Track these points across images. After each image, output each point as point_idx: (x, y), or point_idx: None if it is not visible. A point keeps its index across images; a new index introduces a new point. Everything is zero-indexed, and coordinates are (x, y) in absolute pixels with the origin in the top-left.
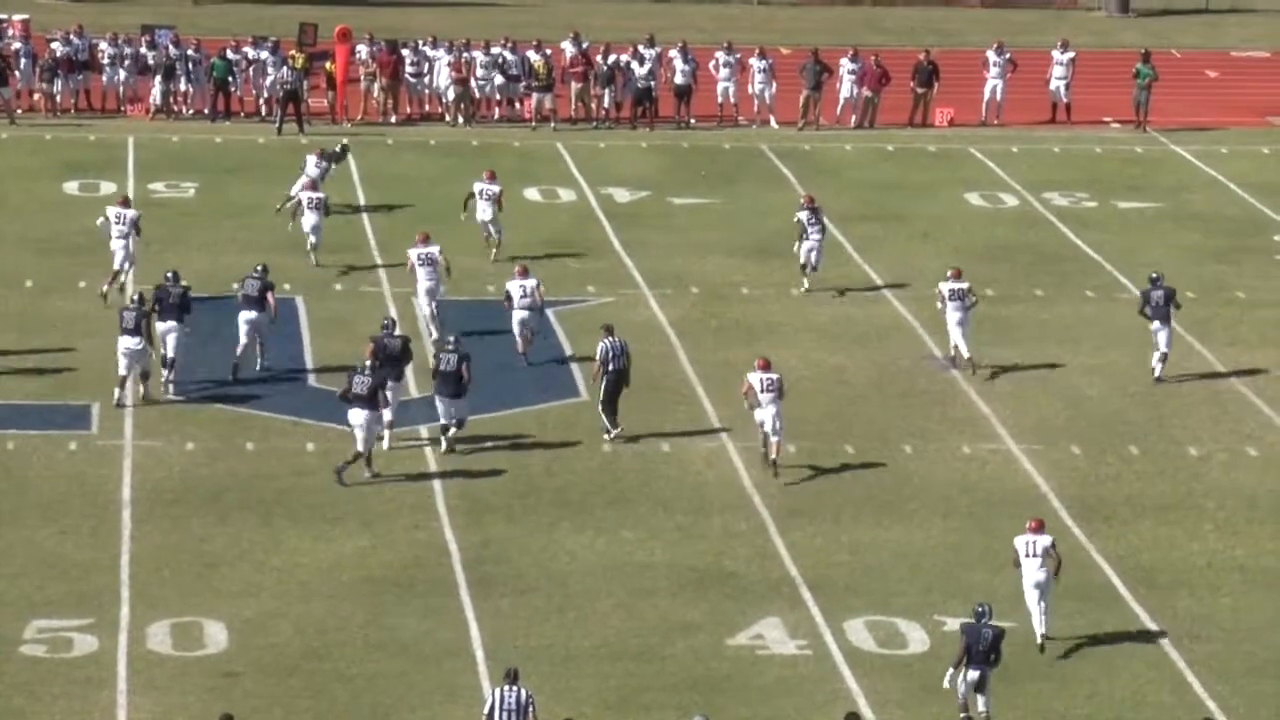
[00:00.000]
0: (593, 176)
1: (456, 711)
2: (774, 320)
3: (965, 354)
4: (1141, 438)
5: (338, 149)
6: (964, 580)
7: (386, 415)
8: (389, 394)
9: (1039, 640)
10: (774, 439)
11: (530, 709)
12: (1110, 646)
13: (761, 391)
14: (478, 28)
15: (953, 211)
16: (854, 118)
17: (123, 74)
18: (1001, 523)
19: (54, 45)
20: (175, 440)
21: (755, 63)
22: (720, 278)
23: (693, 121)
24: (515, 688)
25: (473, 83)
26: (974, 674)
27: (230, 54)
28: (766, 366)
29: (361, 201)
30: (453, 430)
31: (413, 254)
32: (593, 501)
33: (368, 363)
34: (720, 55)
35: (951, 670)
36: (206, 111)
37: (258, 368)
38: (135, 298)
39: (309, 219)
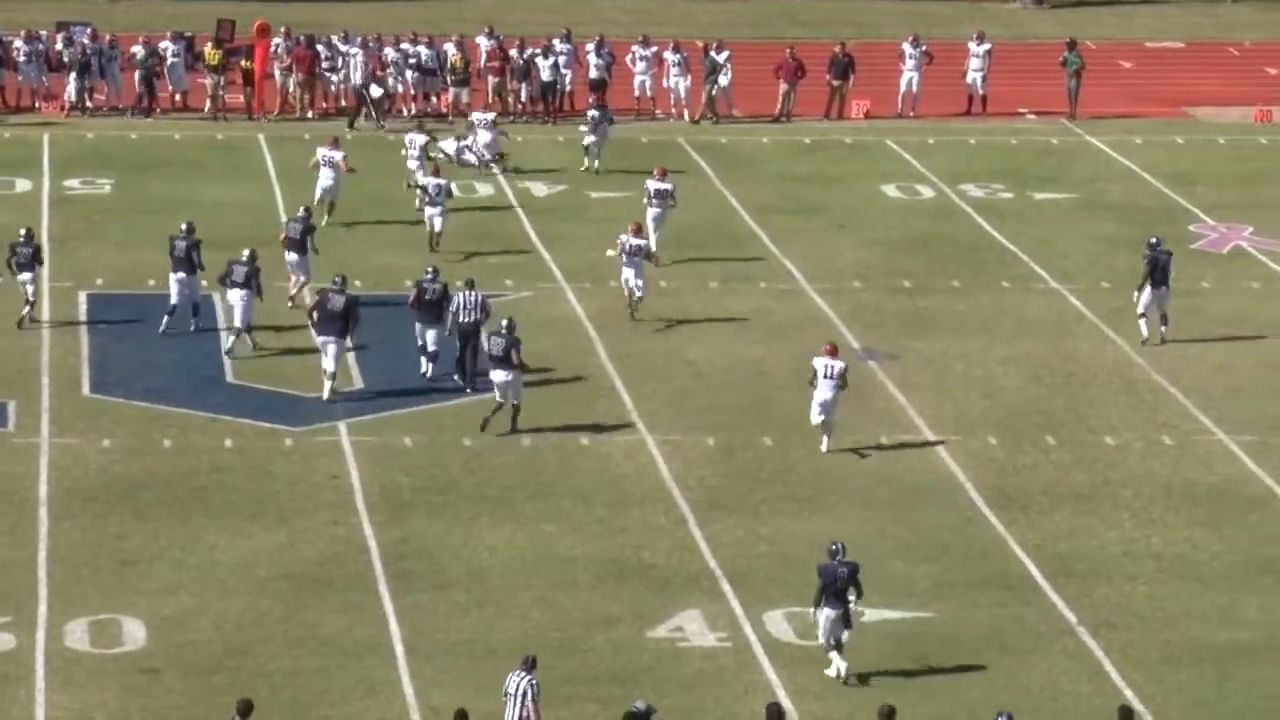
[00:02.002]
0: (510, 170)
1: (376, 707)
2: (692, 312)
3: (653, 248)
4: (1058, 427)
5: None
6: (882, 570)
7: (329, 366)
8: (332, 348)
9: (824, 442)
10: (636, 295)
11: (527, 695)
12: (1027, 636)
13: (628, 254)
14: (395, 22)
15: (869, 203)
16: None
17: (35, 71)
18: (920, 513)
19: None
20: (92, 438)
21: (670, 56)
22: None
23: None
24: (521, 674)
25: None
26: (835, 611)
27: (141, 49)
28: (637, 231)
29: (278, 197)
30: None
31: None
32: (512, 496)
33: (504, 323)
34: (637, 49)
35: (813, 610)
36: (121, 106)
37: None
38: (247, 254)
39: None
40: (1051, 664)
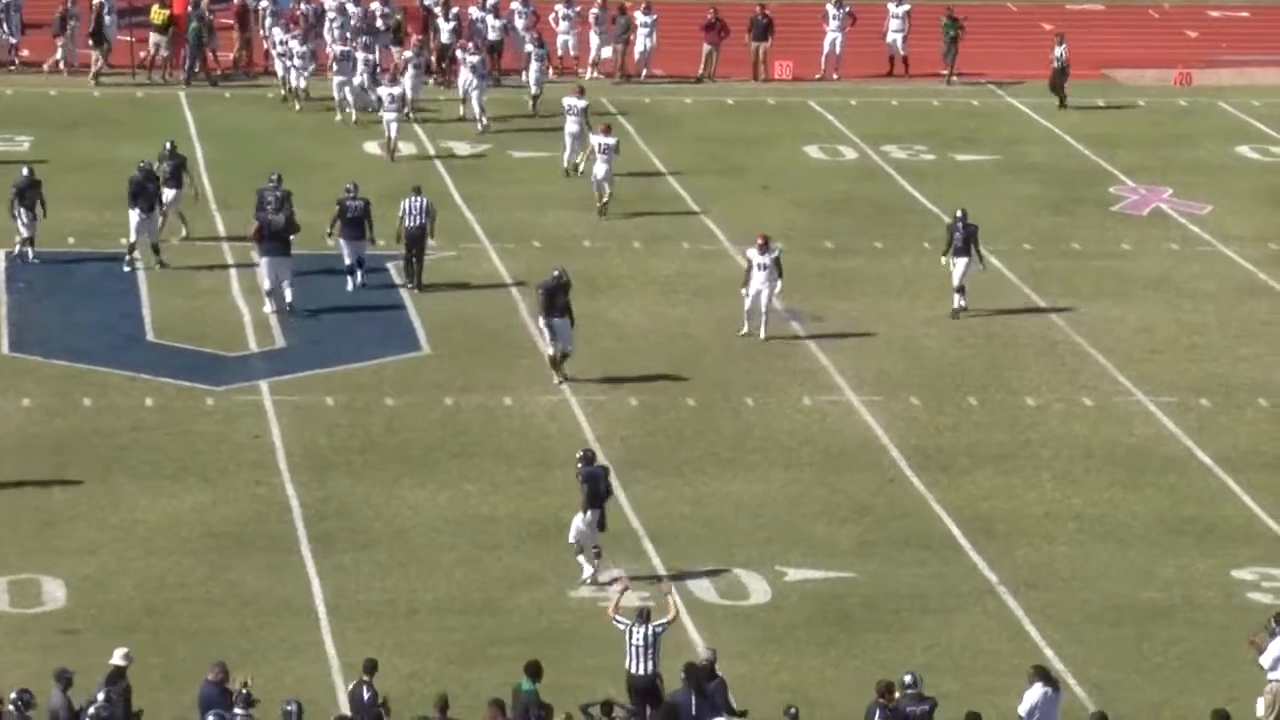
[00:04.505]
0: (433, 129)
1: (299, 667)
2: (616, 273)
3: (577, 164)
4: (979, 388)
5: None
6: (805, 531)
7: (283, 280)
8: (279, 267)
9: (761, 330)
10: (607, 190)
11: (656, 639)
12: (948, 596)
13: (600, 153)
14: None
15: (792, 164)
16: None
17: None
18: (842, 474)
19: None
20: (11, 397)
21: (594, 13)
22: (561, 231)
23: (500, 78)
24: (641, 625)
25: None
26: (595, 514)
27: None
28: (607, 131)
29: (199, 155)
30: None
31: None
32: (435, 456)
33: (555, 273)
34: (560, 8)
35: (581, 514)
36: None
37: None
38: (275, 178)
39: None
40: (972, 623)
